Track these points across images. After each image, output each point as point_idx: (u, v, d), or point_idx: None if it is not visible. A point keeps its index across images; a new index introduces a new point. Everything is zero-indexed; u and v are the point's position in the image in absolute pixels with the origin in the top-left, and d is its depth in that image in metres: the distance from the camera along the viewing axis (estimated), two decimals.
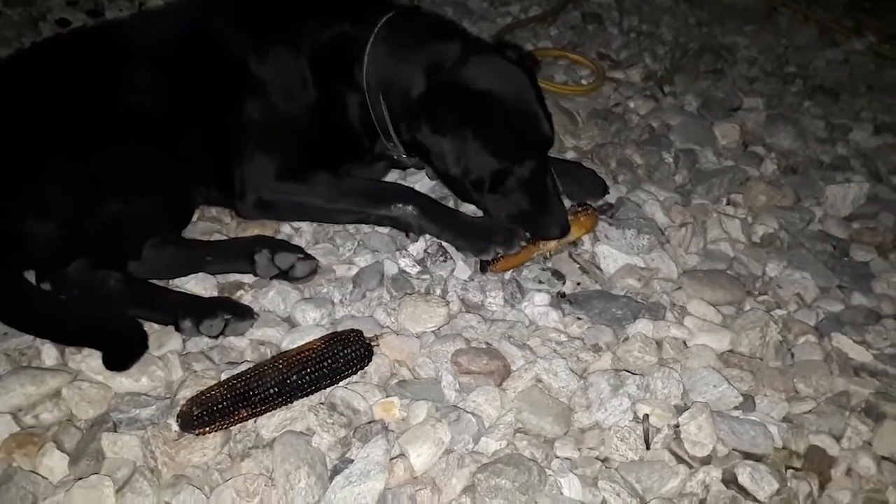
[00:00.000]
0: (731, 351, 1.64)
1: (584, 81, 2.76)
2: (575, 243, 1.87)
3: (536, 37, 3.09)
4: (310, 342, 1.43)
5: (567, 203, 1.89)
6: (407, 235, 1.84)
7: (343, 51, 1.81)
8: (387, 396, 1.42)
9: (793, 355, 1.65)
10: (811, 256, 1.95)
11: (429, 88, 1.71)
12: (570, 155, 2.30)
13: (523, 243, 1.73)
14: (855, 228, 2.12)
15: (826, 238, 2.05)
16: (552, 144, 1.84)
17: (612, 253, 1.85)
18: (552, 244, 1.81)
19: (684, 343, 1.64)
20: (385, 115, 1.80)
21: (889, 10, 3.47)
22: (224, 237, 1.83)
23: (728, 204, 2.16)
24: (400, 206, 1.78)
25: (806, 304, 1.82)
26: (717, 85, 2.84)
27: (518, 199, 1.75)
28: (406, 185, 1.98)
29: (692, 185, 2.22)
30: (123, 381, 1.41)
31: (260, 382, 1.33)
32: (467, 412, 1.39)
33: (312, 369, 1.37)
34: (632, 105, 2.62)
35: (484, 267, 1.75)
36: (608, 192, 2.08)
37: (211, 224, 1.87)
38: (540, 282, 1.77)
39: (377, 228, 1.86)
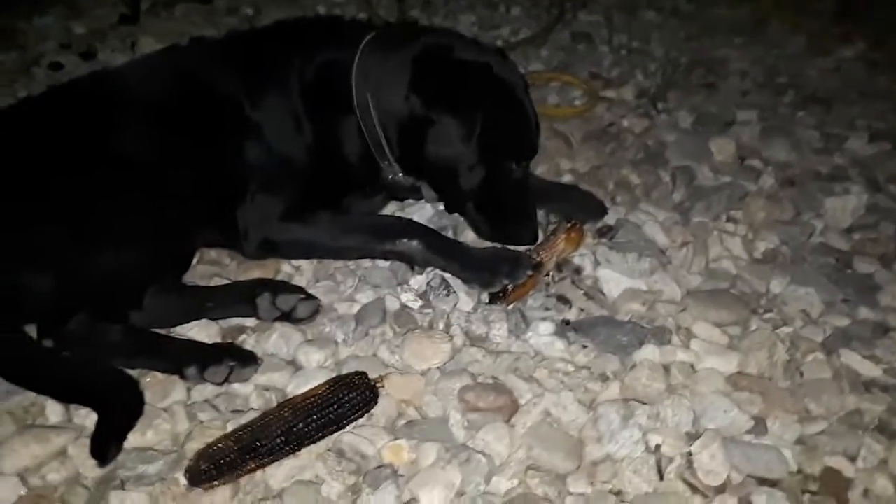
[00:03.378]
0: (739, 373, 1.62)
1: (577, 102, 2.76)
2: (579, 271, 1.86)
3: (527, 59, 3.10)
4: (314, 388, 1.42)
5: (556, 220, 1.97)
6: (412, 268, 1.83)
7: (332, 78, 1.82)
8: (395, 439, 1.40)
9: (802, 374, 1.63)
10: (814, 271, 1.94)
11: (441, 65, 1.72)
12: (566, 178, 2.30)
13: (529, 272, 1.73)
14: (856, 240, 2.10)
15: (828, 251, 2.04)
16: (537, 152, 1.89)
17: (614, 277, 1.84)
18: (551, 264, 1.81)
19: (692, 367, 1.63)
20: (377, 125, 1.80)
21: (877, 15, 3.47)
22: (224, 280, 1.82)
23: (728, 221, 2.14)
24: (405, 240, 1.78)
25: (812, 320, 1.80)
26: (710, 99, 2.84)
27: (500, 202, 1.80)
28: (407, 217, 1.98)
29: (691, 202, 2.21)
30: (129, 437, 1.39)
31: (266, 433, 1.31)
32: (477, 451, 1.37)
33: (318, 416, 1.35)
34: (626, 124, 2.62)
35: (493, 300, 1.74)
36: (607, 214, 2.08)
37: (210, 267, 1.87)
38: (546, 308, 1.76)
39: (378, 263, 1.86)
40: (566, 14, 3.51)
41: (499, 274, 1.72)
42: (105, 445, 1.33)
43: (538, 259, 1.78)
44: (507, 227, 1.82)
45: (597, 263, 1.88)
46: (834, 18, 3.59)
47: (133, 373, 1.53)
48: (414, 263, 1.81)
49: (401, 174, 1.88)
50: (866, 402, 1.56)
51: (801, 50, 3.38)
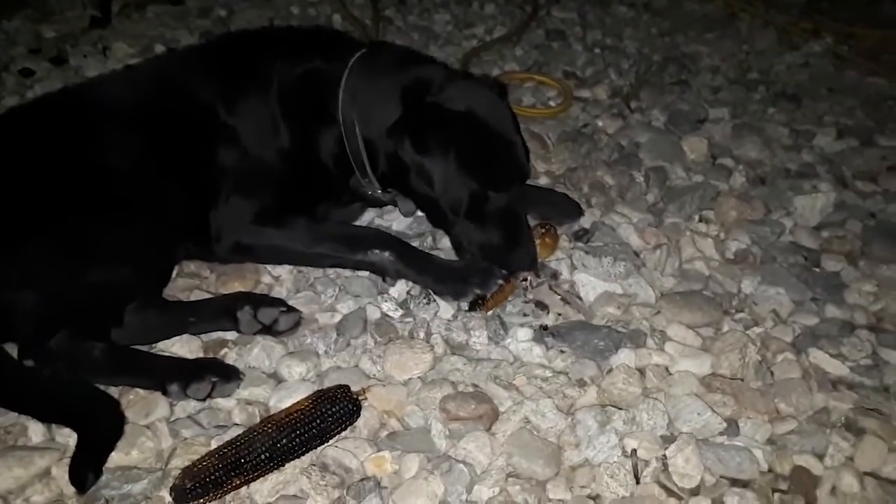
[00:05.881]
0: (712, 374, 1.66)
1: (551, 103, 2.79)
2: (556, 276, 1.89)
3: (503, 58, 3.12)
4: (297, 402, 1.43)
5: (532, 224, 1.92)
6: (384, 279, 1.85)
7: (316, 88, 1.83)
8: (377, 451, 1.43)
9: (772, 374, 1.68)
10: (784, 270, 1.99)
11: (416, 108, 1.73)
12: (542, 180, 2.33)
13: (500, 282, 1.76)
14: (825, 237, 2.15)
15: (797, 250, 2.09)
16: (528, 177, 1.87)
17: (590, 281, 1.88)
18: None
19: (667, 370, 1.67)
20: (361, 147, 1.81)
21: (844, 10, 3.53)
22: (204, 292, 1.83)
23: (700, 221, 2.18)
24: (377, 251, 1.80)
25: (782, 319, 1.85)
26: (682, 97, 2.88)
27: (491, 228, 1.77)
28: (383, 226, 2.00)
29: (664, 203, 2.25)
30: (113, 456, 1.40)
31: (251, 449, 1.33)
32: (458, 461, 1.40)
33: (302, 431, 1.37)
34: (600, 124, 2.66)
35: (473, 307, 1.77)
36: (583, 215, 2.11)
37: (190, 280, 1.87)
38: (524, 314, 1.79)
39: (357, 272, 1.88)
40: (540, 11, 3.53)
41: (470, 284, 1.75)
42: (83, 472, 1.33)
43: None
44: (502, 255, 1.77)
45: (573, 267, 1.92)
46: (802, 12, 3.64)
47: (115, 390, 1.54)
48: (386, 275, 1.84)
49: (379, 191, 1.90)
50: (834, 400, 1.62)
51: (771, 44, 3.44)
